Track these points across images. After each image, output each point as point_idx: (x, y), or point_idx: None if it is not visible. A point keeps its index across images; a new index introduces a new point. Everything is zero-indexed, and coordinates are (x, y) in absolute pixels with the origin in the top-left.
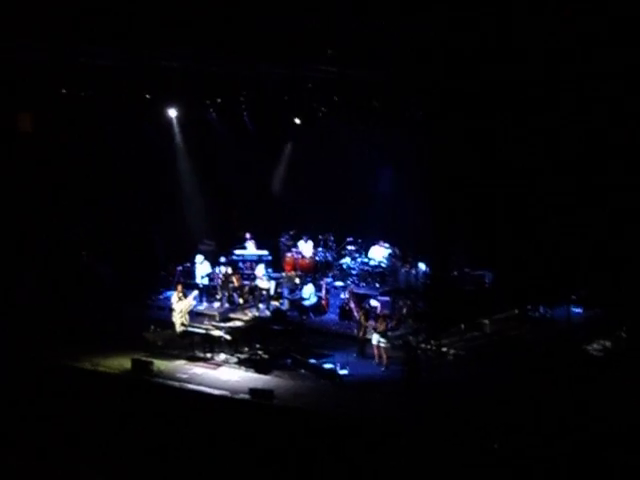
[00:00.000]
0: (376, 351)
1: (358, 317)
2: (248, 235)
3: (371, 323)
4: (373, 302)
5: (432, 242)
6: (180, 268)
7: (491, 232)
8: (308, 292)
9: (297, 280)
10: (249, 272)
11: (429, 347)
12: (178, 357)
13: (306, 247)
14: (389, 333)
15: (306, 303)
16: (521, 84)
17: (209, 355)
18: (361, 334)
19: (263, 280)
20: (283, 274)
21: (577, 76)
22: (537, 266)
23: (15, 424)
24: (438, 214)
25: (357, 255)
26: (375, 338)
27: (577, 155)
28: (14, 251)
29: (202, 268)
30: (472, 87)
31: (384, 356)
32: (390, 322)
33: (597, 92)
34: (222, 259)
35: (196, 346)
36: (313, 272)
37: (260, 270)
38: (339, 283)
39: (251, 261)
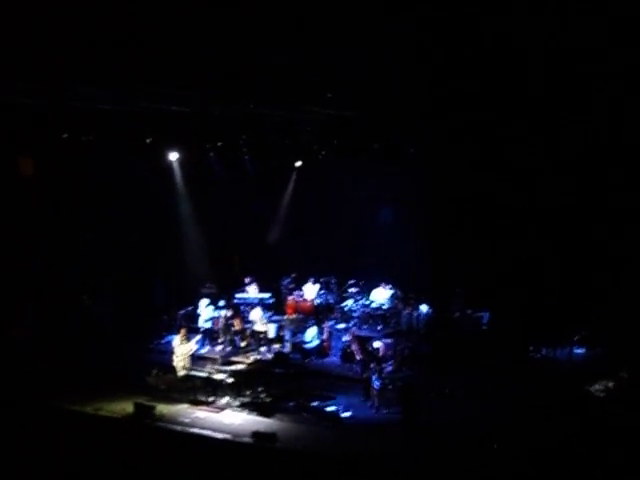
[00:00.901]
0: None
1: (360, 359)
2: (248, 279)
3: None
4: (376, 344)
5: (433, 284)
6: (182, 312)
7: (493, 273)
8: (310, 335)
9: (299, 323)
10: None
11: (430, 389)
12: (180, 401)
13: (308, 290)
14: (384, 375)
15: (308, 346)
16: (515, 122)
17: (211, 399)
18: (365, 376)
19: (260, 323)
20: (285, 317)
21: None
22: (539, 307)
23: (15, 469)
24: (439, 256)
25: (359, 297)
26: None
27: (577, 194)
28: (14, 294)
29: (206, 312)
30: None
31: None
32: (390, 364)
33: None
34: (222, 303)
35: (198, 390)
36: (315, 315)
37: (256, 314)
38: (341, 326)
39: (252, 304)
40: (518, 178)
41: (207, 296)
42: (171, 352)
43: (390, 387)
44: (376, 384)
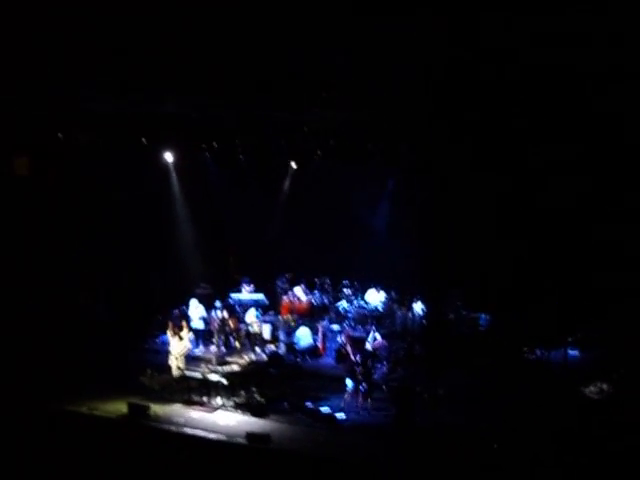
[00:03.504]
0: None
1: (355, 360)
2: (244, 279)
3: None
4: (369, 345)
5: (429, 285)
6: (176, 311)
7: (488, 274)
8: (304, 335)
9: (293, 323)
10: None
11: (424, 390)
12: (175, 401)
13: (299, 292)
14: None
15: (302, 346)
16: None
17: (206, 399)
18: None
19: (254, 324)
20: (279, 317)
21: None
22: (534, 309)
23: (10, 469)
24: (434, 256)
25: (353, 298)
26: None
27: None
28: (11, 294)
29: (196, 312)
30: (466, 128)
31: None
32: (385, 365)
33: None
34: (218, 303)
35: (193, 390)
36: (309, 315)
37: (251, 314)
38: (335, 326)
39: (247, 305)
40: (515, 179)
41: (198, 296)
42: (166, 352)
43: (384, 388)
44: (361, 388)
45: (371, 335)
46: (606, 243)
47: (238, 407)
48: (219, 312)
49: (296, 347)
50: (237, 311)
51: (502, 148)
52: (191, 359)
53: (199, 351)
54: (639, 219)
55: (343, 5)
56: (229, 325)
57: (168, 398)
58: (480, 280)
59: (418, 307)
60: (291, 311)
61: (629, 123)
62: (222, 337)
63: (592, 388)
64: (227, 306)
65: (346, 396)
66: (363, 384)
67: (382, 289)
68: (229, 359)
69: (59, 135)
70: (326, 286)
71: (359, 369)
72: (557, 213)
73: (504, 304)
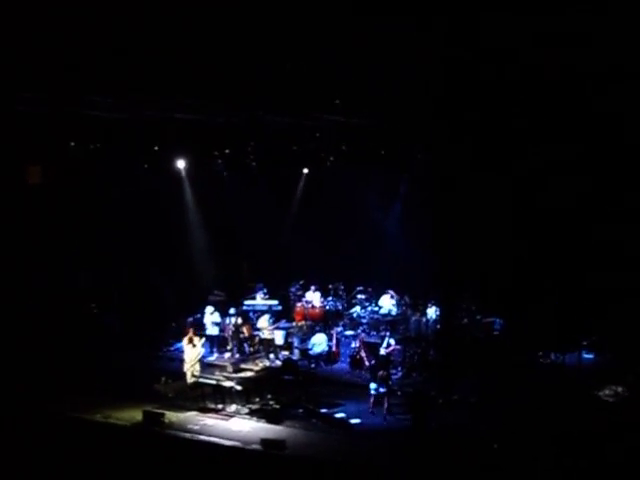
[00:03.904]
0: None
1: (369, 365)
2: (258, 285)
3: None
4: (385, 347)
5: (442, 290)
6: (190, 319)
7: (501, 279)
8: (319, 342)
9: (307, 330)
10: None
11: (439, 395)
12: (189, 408)
13: (311, 297)
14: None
15: (317, 353)
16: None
17: (220, 406)
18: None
19: (268, 330)
20: (293, 324)
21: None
22: (548, 313)
23: (24, 477)
24: (447, 262)
25: (367, 304)
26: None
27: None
28: (23, 302)
29: (211, 318)
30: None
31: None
32: (400, 370)
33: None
34: (232, 310)
35: (207, 397)
36: (323, 321)
37: (263, 321)
38: (349, 332)
39: (261, 311)
40: (530, 181)
41: (212, 303)
42: (180, 360)
43: (399, 393)
44: (381, 390)
45: (385, 340)
46: (620, 244)
47: (253, 413)
48: (233, 319)
49: (310, 353)
50: (251, 318)
51: (508, 147)
52: (205, 366)
53: (213, 358)
54: None
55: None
56: (243, 332)
57: (183, 405)
58: (494, 284)
59: (432, 312)
60: (305, 317)
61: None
62: (236, 344)
63: (607, 391)
64: (241, 313)
65: (371, 400)
66: (383, 387)
67: (396, 294)
68: (243, 366)
69: (71, 144)
70: (340, 292)
71: (381, 372)
72: (572, 214)
73: (518, 308)
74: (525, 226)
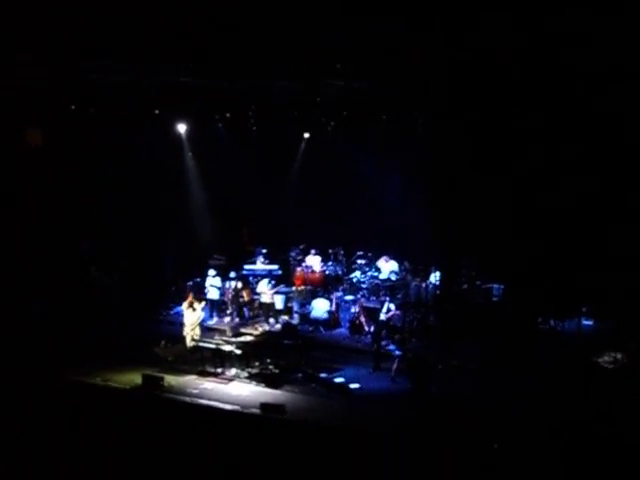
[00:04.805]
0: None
1: (370, 330)
2: (258, 250)
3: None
4: (385, 312)
5: (442, 255)
6: (190, 283)
7: (501, 244)
8: (319, 306)
9: (307, 294)
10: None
11: (439, 360)
12: (189, 372)
13: (311, 261)
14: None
15: (316, 317)
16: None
17: (220, 370)
18: (375, 347)
19: (268, 295)
20: (293, 288)
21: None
22: (547, 279)
23: (23, 440)
24: (447, 227)
25: (367, 269)
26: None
27: (588, 162)
28: (23, 266)
29: (212, 282)
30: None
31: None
32: (399, 335)
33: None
34: (232, 274)
35: (207, 361)
36: (323, 286)
37: (263, 286)
38: (349, 297)
39: (261, 276)
40: (528, 145)
41: (214, 267)
42: (180, 323)
43: (410, 356)
44: (396, 352)
45: (385, 305)
46: (624, 213)
47: (252, 378)
48: (233, 283)
49: (310, 318)
50: (251, 282)
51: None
52: (205, 330)
53: (213, 322)
54: None
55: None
56: (243, 296)
57: (182, 369)
58: (494, 250)
59: (432, 277)
60: (304, 282)
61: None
62: (236, 308)
63: (606, 358)
64: (241, 277)
65: (395, 362)
66: (397, 351)
67: (396, 259)
68: (243, 330)
69: (71, 107)
70: (340, 257)
71: (397, 336)
72: (575, 187)
73: (518, 274)
74: (525, 191)
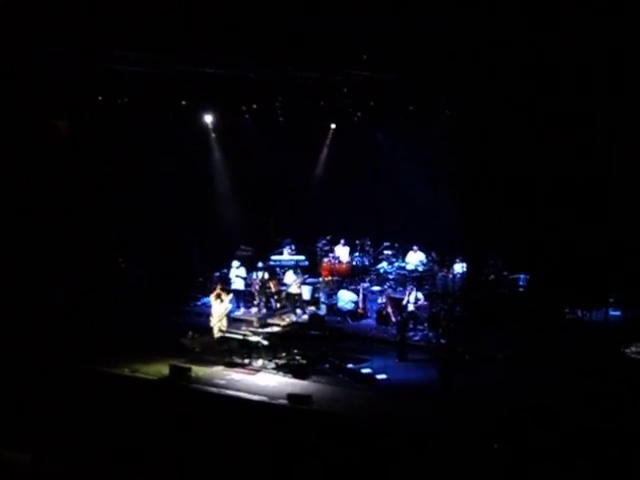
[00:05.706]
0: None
1: (396, 321)
2: (285, 241)
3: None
4: (410, 306)
5: (469, 246)
6: (217, 274)
7: (528, 235)
8: (346, 297)
9: (334, 285)
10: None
11: (465, 351)
12: (216, 363)
13: (339, 252)
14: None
15: (343, 308)
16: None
17: (247, 361)
18: (399, 338)
19: (295, 286)
20: (320, 279)
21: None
22: (575, 269)
23: (51, 430)
24: (474, 218)
25: (394, 260)
26: None
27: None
28: (50, 255)
29: (238, 273)
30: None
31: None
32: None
33: None
34: (259, 264)
35: (234, 352)
36: (350, 277)
37: (291, 276)
38: (376, 288)
39: (288, 267)
40: (558, 138)
41: (239, 258)
42: (208, 314)
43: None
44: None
45: (413, 295)
46: None
47: (279, 368)
48: (260, 274)
49: (337, 308)
50: (278, 273)
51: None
52: (232, 321)
53: (240, 313)
54: None
55: None
56: (270, 287)
57: (209, 360)
58: (521, 240)
59: (459, 268)
60: (331, 273)
61: None
62: (263, 299)
63: (634, 348)
64: (268, 268)
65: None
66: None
67: (422, 250)
68: (270, 321)
69: (99, 98)
70: (367, 247)
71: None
72: (599, 179)
73: (544, 264)
74: (553, 182)
